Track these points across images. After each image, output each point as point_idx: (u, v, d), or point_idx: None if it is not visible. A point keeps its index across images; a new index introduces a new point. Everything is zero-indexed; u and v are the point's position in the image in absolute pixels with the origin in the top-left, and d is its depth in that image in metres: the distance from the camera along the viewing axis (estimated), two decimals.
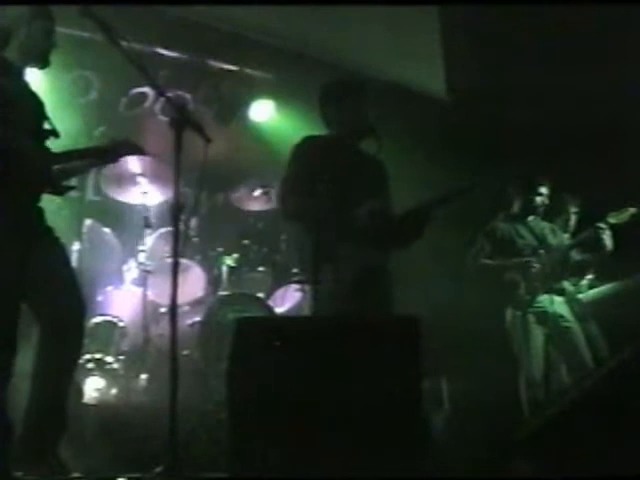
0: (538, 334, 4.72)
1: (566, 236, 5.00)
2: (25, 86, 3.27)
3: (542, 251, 4.83)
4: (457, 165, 5.52)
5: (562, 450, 2.57)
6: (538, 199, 4.92)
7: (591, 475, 2.47)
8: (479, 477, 3.22)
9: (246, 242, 5.55)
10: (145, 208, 5.08)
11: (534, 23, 5.40)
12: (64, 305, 3.15)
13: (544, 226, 5.01)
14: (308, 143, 3.88)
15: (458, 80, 6.08)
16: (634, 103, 5.28)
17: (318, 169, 3.61)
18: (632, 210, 4.71)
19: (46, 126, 3.25)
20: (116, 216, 5.43)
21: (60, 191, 3.30)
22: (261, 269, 5.45)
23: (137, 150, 3.49)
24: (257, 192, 5.58)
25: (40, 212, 3.21)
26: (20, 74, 3.25)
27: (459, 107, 6.01)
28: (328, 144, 3.86)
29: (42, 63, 3.29)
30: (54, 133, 3.24)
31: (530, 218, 4.97)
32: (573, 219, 5.08)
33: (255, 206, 5.71)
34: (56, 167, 3.22)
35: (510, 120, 5.75)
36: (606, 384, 2.62)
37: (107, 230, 5.33)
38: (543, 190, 4.93)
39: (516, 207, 4.99)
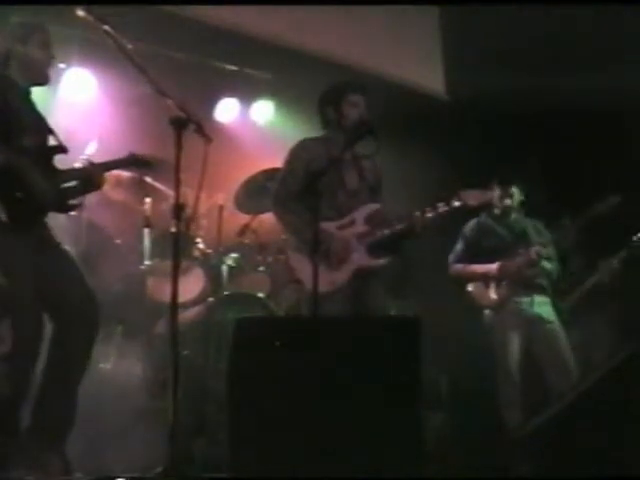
0: (514, 335, 4.69)
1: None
2: (31, 105, 3.28)
3: (522, 249, 4.74)
4: (457, 165, 5.53)
5: (562, 450, 2.57)
6: (507, 201, 4.87)
7: (591, 475, 2.47)
8: (479, 477, 3.22)
9: (246, 242, 5.53)
10: (146, 208, 5.08)
11: (534, 23, 5.40)
12: (78, 308, 3.19)
13: (526, 224, 4.94)
14: (300, 148, 3.88)
15: (458, 80, 6.07)
16: (634, 103, 5.29)
17: (312, 175, 3.59)
18: None
19: (53, 142, 3.26)
20: (116, 216, 5.42)
21: (65, 210, 3.32)
22: (261, 269, 5.43)
23: (144, 164, 3.51)
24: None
25: (48, 227, 3.25)
26: (25, 92, 3.27)
27: (459, 107, 6.01)
28: (323, 147, 3.86)
29: (43, 79, 3.30)
30: (62, 149, 3.25)
31: (512, 217, 4.92)
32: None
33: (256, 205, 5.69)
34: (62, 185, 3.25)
35: (510, 120, 5.75)
36: (606, 384, 2.62)
37: (107, 230, 5.32)
38: (513, 191, 4.89)
39: (495, 207, 4.94)
